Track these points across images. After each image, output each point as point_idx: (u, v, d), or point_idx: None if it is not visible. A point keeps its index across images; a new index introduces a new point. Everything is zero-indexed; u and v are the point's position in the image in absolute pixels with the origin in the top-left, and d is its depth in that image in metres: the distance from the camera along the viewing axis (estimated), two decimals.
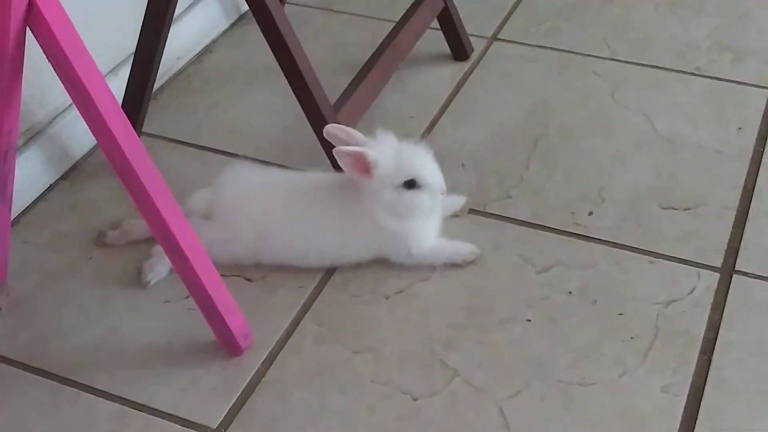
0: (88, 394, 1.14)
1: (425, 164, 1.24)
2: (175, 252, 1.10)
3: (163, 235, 1.10)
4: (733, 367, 1.13)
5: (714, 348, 1.16)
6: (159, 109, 1.59)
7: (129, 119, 1.42)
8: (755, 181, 1.39)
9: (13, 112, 1.05)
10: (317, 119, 1.31)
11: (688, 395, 1.11)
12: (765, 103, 1.54)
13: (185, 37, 1.69)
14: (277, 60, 1.30)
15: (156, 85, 1.63)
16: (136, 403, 1.13)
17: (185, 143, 1.52)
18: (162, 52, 1.43)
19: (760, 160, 1.43)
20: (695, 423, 1.08)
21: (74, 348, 1.20)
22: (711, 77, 1.60)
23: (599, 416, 1.09)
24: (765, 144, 1.46)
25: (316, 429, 1.10)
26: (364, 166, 1.21)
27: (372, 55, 1.46)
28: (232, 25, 1.80)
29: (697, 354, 1.15)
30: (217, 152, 1.50)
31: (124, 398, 1.14)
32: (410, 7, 1.55)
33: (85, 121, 1.03)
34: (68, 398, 1.14)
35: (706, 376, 1.13)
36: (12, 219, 1.37)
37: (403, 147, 1.25)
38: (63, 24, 0.96)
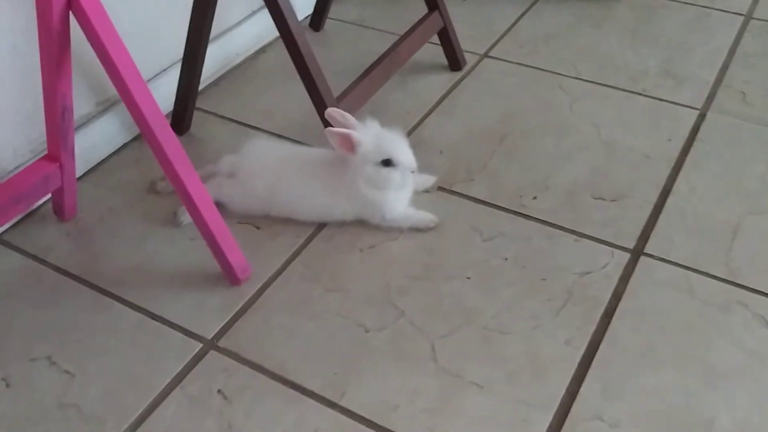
0: (120, 304, 1.09)
1: (400, 147, 1.15)
2: (190, 204, 1.05)
3: (182, 192, 1.04)
4: (627, 330, 1.03)
5: (614, 313, 1.05)
6: (218, 92, 1.52)
7: (184, 102, 1.36)
8: (674, 182, 1.27)
9: (65, 79, 0.99)
10: (321, 106, 1.22)
11: (586, 349, 1.01)
12: (694, 120, 1.41)
13: (245, 38, 1.62)
14: (292, 59, 1.21)
15: (219, 74, 1.57)
16: (154, 314, 1.08)
17: (230, 119, 1.45)
18: (204, 55, 1.33)
19: (681, 166, 1.30)
20: (587, 371, 0.98)
21: (116, 267, 1.15)
22: (653, 97, 1.47)
23: (509, 358, 1.00)
24: (687, 153, 1.33)
25: (285, 347, 1.03)
26: (350, 145, 1.13)
27: (376, 60, 1.37)
28: None
29: (599, 317, 1.05)
30: (252, 127, 1.42)
31: (145, 309, 1.08)
32: (414, 24, 1.45)
33: (119, 94, 0.96)
34: (105, 305, 1.09)
35: (603, 336, 1.02)
36: (91, 167, 1.34)
37: (384, 132, 1.16)
38: (98, 12, 0.89)
